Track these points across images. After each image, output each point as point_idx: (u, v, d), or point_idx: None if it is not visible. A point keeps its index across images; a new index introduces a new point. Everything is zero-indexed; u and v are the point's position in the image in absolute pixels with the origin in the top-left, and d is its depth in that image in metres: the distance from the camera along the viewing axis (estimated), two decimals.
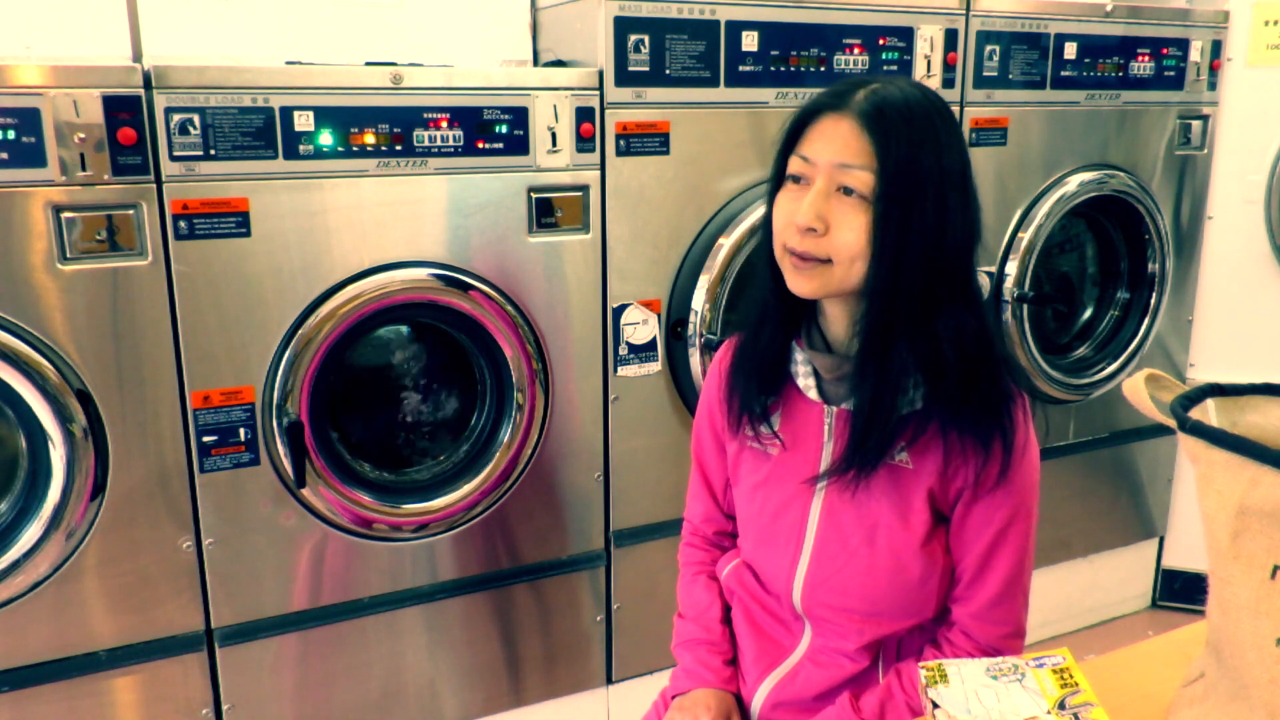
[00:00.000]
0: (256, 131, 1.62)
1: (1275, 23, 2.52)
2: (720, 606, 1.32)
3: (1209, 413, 0.80)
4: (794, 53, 2.03)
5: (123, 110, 1.53)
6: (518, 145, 1.82)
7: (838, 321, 1.13)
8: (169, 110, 1.56)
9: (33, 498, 1.60)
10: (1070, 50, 2.35)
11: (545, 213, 1.87)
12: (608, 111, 1.88)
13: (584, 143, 1.87)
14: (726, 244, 1.99)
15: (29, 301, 1.54)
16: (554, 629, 2.08)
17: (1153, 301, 2.60)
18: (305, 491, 1.76)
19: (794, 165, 1.08)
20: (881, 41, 2.11)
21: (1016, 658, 0.94)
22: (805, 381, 1.17)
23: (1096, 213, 2.54)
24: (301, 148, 1.66)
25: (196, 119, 1.58)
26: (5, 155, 1.48)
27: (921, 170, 1.02)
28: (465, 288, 1.81)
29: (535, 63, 2.14)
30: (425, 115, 1.73)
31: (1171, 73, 2.51)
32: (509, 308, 1.85)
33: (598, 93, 1.87)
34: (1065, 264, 2.65)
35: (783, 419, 1.20)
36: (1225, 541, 0.74)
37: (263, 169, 1.64)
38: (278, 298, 1.69)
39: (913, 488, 1.12)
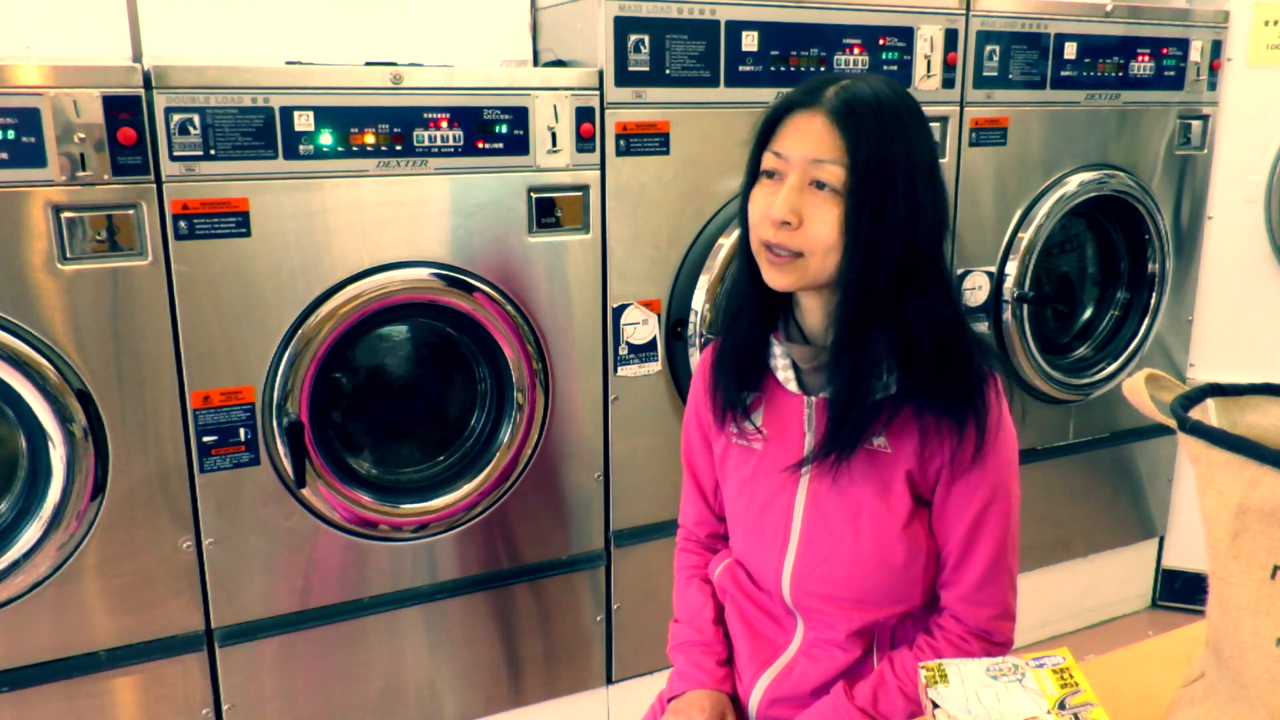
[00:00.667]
0: (256, 131, 1.62)
1: (1275, 23, 2.52)
2: (713, 608, 1.33)
3: (1209, 413, 0.80)
4: (794, 53, 2.03)
5: (123, 110, 1.53)
6: (518, 145, 1.82)
7: (813, 313, 1.16)
8: (169, 110, 1.56)
9: (33, 498, 1.60)
10: (1070, 50, 2.35)
11: (545, 213, 1.87)
12: (608, 111, 1.88)
13: (584, 143, 1.87)
14: (726, 244, 1.99)
15: (29, 301, 1.54)
16: (554, 629, 2.08)
17: (1152, 301, 2.60)
18: (305, 491, 1.76)
19: (768, 161, 1.11)
20: (881, 41, 2.11)
21: (1017, 658, 0.94)
22: (784, 374, 1.20)
23: (1096, 213, 2.54)
24: (301, 148, 1.66)
25: (196, 119, 1.58)
26: (5, 155, 1.48)
27: (892, 164, 1.05)
28: (465, 288, 1.81)
29: (535, 63, 2.14)
30: (425, 115, 1.73)
31: (1171, 73, 2.51)
32: (509, 308, 1.85)
33: (598, 93, 1.87)
34: (1065, 264, 2.65)
35: (765, 413, 1.22)
36: (1225, 541, 0.74)
37: (263, 169, 1.64)
38: (278, 298, 1.69)
39: (892, 471, 1.14)
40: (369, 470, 1.88)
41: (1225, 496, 0.73)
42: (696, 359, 2.03)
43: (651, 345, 2.03)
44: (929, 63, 2.18)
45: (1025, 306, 2.38)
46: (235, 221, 1.64)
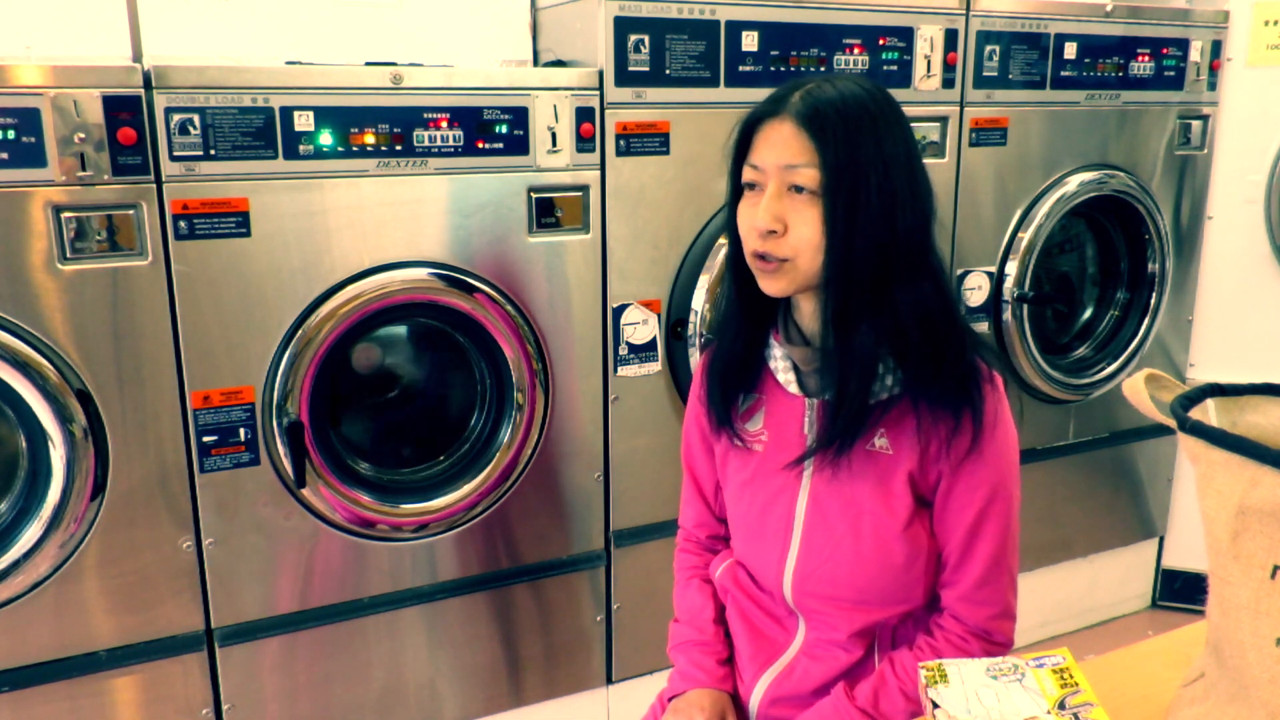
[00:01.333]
0: (256, 131, 1.62)
1: (1275, 23, 2.52)
2: (714, 608, 1.34)
3: (1209, 413, 0.80)
4: (794, 53, 2.03)
5: (123, 110, 1.53)
6: (518, 145, 1.82)
7: (810, 315, 1.17)
8: (169, 110, 1.56)
9: (33, 498, 1.60)
10: (1070, 50, 2.35)
11: (545, 213, 1.87)
12: (608, 111, 1.88)
13: (584, 143, 1.87)
14: (726, 244, 1.99)
15: (29, 301, 1.54)
16: (554, 629, 2.08)
17: (1152, 301, 2.60)
18: (305, 491, 1.76)
19: (747, 174, 1.14)
20: (881, 41, 2.11)
21: (1017, 658, 0.94)
22: (785, 376, 1.21)
23: (1096, 213, 2.54)
24: (301, 148, 1.66)
25: (196, 119, 1.58)
26: (5, 155, 1.48)
27: (862, 159, 1.06)
28: (465, 288, 1.81)
29: (535, 63, 2.14)
30: (425, 115, 1.73)
31: (1171, 73, 2.51)
32: (509, 308, 1.85)
33: (598, 93, 1.87)
34: (1065, 264, 2.65)
35: (766, 415, 1.23)
36: (1225, 541, 0.74)
37: (263, 169, 1.64)
38: (278, 298, 1.69)
39: (893, 471, 1.15)
40: (369, 470, 1.88)
41: (1225, 496, 0.73)
42: (696, 359, 2.03)
43: (651, 345, 2.03)
44: (929, 63, 2.18)
45: (1025, 306, 2.38)
46: (235, 221, 1.64)
